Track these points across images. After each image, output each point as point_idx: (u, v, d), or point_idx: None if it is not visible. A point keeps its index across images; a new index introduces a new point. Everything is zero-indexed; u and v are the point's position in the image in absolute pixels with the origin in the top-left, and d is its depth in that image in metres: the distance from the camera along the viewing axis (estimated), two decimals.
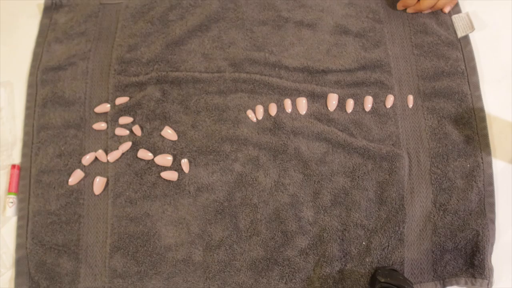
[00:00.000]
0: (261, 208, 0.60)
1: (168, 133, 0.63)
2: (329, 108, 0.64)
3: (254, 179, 0.61)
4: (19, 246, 0.61)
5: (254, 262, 0.59)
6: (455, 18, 0.67)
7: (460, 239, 0.58)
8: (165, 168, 0.62)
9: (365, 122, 0.63)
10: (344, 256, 0.59)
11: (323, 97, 0.64)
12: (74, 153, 0.64)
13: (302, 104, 0.63)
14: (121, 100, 0.65)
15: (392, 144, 0.62)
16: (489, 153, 0.61)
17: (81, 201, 0.62)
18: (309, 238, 0.59)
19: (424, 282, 0.58)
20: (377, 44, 0.66)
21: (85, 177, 0.63)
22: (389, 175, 0.60)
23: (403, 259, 0.58)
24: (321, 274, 0.58)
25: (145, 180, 0.61)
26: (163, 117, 0.64)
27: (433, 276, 0.58)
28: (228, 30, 0.67)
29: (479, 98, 0.64)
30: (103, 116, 0.65)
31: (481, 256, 0.57)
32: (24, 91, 0.68)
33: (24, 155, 0.64)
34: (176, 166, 0.62)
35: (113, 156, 0.62)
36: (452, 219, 0.59)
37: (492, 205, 0.60)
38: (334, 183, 0.60)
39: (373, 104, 0.64)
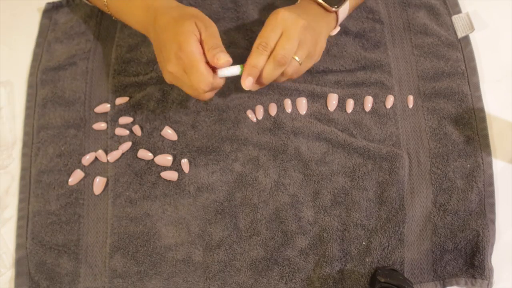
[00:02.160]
0: (261, 208, 0.60)
1: (168, 133, 0.63)
2: (329, 108, 0.64)
3: (254, 179, 0.61)
4: (19, 246, 0.61)
5: (254, 262, 0.59)
6: (455, 18, 0.67)
7: (460, 239, 0.58)
8: (165, 168, 0.62)
9: (365, 122, 0.63)
10: (344, 256, 0.59)
11: (323, 97, 0.64)
12: (74, 153, 0.64)
13: (302, 104, 0.63)
14: (121, 100, 0.65)
15: (392, 145, 0.62)
16: (489, 153, 0.61)
17: (81, 201, 0.62)
18: (309, 238, 0.59)
19: (424, 282, 0.58)
20: (377, 45, 0.66)
21: (85, 177, 0.63)
22: (389, 175, 0.60)
23: (403, 259, 0.58)
24: (321, 274, 0.58)
25: (145, 180, 0.61)
26: (163, 117, 0.64)
27: (433, 276, 0.58)
28: (228, 30, 0.67)
29: (479, 98, 0.64)
30: (103, 116, 0.65)
31: (481, 257, 0.57)
32: (24, 91, 0.68)
33: (24, 155, 0.64)
34: (176, 166, 0.62)
35: (113, 156, 0.62)
36: (452, 219, 0.59)
37: (492, 205, 0.60)
38: (334, 183, 0.60)
39: (373, 104, 0.64)
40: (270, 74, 0.52)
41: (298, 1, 0.60)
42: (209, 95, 0.54)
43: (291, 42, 0.51)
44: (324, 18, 0.58)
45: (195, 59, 0.50)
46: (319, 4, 0.57)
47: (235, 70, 0.52)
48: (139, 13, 0.57)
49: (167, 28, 0.52)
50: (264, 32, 0.52)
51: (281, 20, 0.52)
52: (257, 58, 0.51)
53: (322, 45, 0.57)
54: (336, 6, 0.57)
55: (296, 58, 0.53)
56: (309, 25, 0.53)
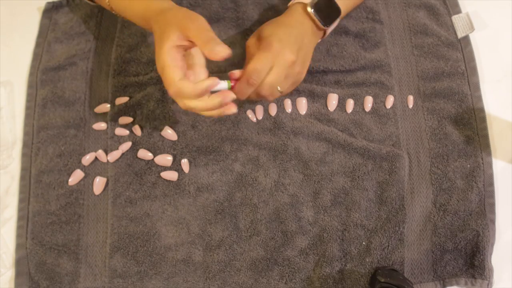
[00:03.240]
0: (261, 208, 0.60)
1: (168, 133, 0.63)
2: (329, 108, 0.64)
3: (254, 179, 0.61)
4: (19, 246, 0.61)
5: (254, 262, 0.59)
6: (455, 18, 0.67)
7: (460, 239, 0.58)
8: (165, 168, 0.62)
9: (365, 122, 0.63)
10: (344, 256, 0.59)
11: (323, 97, 0.64)
12: (74, 153, 0.64)
13: (302, 104, 0.63)
14: (121, 100, 0.65)
15: (392, 145, 0.62)
16: (489, 153, 0.61)
17: (81, 201, 0.62)
18: (309, 238, 0.59)
19: (424, 282, 0.58)
20: (377, 45, 0.66)
21: (85, 177, 0.63)
22: (389, 175, 0.60)
23: (403, 259, 0.58)
24: (321, 274, 0.58)
25: (145, 180, 0.61)
26: (163, 117, 0.64)
27: (433, 276, 0.58)
28: (228, 30, 0.67)
29: (479, 98, 0.64)
30: (103, 116, 0.65)
31: (481, 257, 0.57)
32: (24, 91, 0.68)
33: (24, 155, 0.64)
34: (176, 166, 0.62)
35: (113, 156, 0.62)
36: (452, 219, 0.59)
37: (492, 205, 0.60)
38: (334, 183, 0.60)
39: (373, 105, 0.64)
40: (250, 98, 0.55)
41: (293, 13, 0.57)
42: (194, 105, 0.50)
43: (278, 79, 0.53)
44: (314, 34, 0.58)
45: (166, 65, 0.49)
46: (313, 21, 0.57)
47: (223, 85, 0.52)
48: (139, 22, 0.57)
49: (155, 41, 0.52)
50: (258, 65, 0.52)
51: (274, 54, 0.53)
52: (245, 90, 0.53)
53: (307, 65, 0.58)
54: (327, 25, 0.58)
55: (279, 88, 0.55)
56: (298, 56, 0.54)
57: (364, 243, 0.59)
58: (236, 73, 0.54)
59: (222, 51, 0.48)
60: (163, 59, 0.49)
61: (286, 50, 0.53)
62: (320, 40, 0.62)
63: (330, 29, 0.60)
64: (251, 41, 0.56)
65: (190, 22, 0.50)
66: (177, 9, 0.53)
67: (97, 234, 0.61)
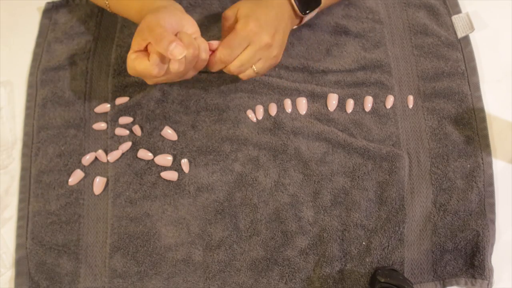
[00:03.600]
0: (261, 208, 0.60)
1: (168, 133, 0.63)
2: (329, 108, 0.64)
3: (254, 179, 0.61)
4: (19, 246, 0.61)
5: (254, 262, 0.59)
6: (455, 18, 0.67)
7: (460, 239, 0.58)
8: (165, 168, 0.62)
9: (365, 122, 0.63)
10: (344, 256, 0.59)
11: (323, 97, 0.64)
12: (74, 153, 0.64)
13: (302, 104, 0.63)
14: (121, 100, 0.65)
15: (392, 145, 0.62)
16: (489, 153, 0.61)
17: (81, 201, 0.62)
18: (309, 238, 0.59)
19: (424, 282, 0.58)
20: (377, 45, 0.66)
21: (85, 177, 0.63)
22: (389, 175, 0.60)
23: (403, 259, 0.58)
24: (321, 274, 0.58)
25: (145, 180, 0.61)
26: (163, 117, 0.64)
27: (433, 276, 0.58)
28: None
29: (479, 98, 0.64)
30: (103, 116, 0.65)
31: (481, 257, 0.57)
32: (24, 91, 0.68)
33: (24, 155, 0.64)
34: (176, 166, 0.62)
35: (113, 156, 0.62)
36: (452, 219, 0.59)
37: (492, 205, 0.60)
38: (334, 183, 0.60)
39: (373, 105, 0.64)
40: (224, 70, 0.56)
41: None
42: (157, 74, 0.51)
43: (250, 59, 0.54)
44: (291, 19, 0.58)
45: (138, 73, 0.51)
46: (292, 6, 0.57)
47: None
48: (138, 22, 0.56)
49: None
50: (232, 43, 0.53)
51: (249, 34, 0.53)
52: (217, 65, 0.54)
53: (283, 49, 0.58)
54: (305, 13, 0.58)
55: (254, 68, 0.55)
56: (274, 40, 0.55)
57: (364, 243, 0.59)
58: (214, 44, 0.54)
59: (174, 51, 0.47)
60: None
61: (263, 32, 0.54)
62: (295, 27, 0.62)
63: (306, 18, 0.60)
64: (229, 14, 0.56)
65: (143, 23, 0.50)
66: (152, 13, 0.51)
67: (97, 234, 0.61)
